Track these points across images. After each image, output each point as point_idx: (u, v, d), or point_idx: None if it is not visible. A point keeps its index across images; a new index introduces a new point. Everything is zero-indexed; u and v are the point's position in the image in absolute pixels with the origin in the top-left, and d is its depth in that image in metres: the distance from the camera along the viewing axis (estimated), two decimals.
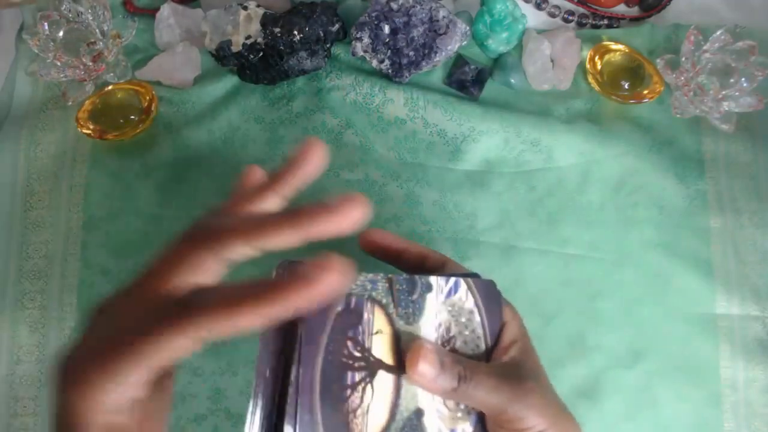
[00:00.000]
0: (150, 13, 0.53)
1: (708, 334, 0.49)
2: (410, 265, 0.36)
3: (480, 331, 0.31)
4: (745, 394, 0.49)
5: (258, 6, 0.50)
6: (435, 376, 0.28)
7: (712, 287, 0.50)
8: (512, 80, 0.52)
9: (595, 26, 0.55)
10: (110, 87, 0.51)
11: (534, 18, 0.55)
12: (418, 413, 0.29)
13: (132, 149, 0.50)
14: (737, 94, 0.49)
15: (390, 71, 0.50)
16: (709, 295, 0.50)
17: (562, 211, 0.51)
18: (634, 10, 0.56)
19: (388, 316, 0.28)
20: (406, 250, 0.36)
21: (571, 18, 0.55)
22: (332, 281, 0.23)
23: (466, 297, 0.31)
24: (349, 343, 0.27)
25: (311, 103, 0.51)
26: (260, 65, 0.50)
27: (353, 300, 0.28)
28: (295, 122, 0.51)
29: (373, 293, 0.28)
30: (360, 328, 0.28)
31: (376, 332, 0.28)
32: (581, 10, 0.55)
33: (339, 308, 0.27)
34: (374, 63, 0.50)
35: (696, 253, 0.50)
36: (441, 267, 0.35)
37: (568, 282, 0.50)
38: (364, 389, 0.27)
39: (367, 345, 0.28)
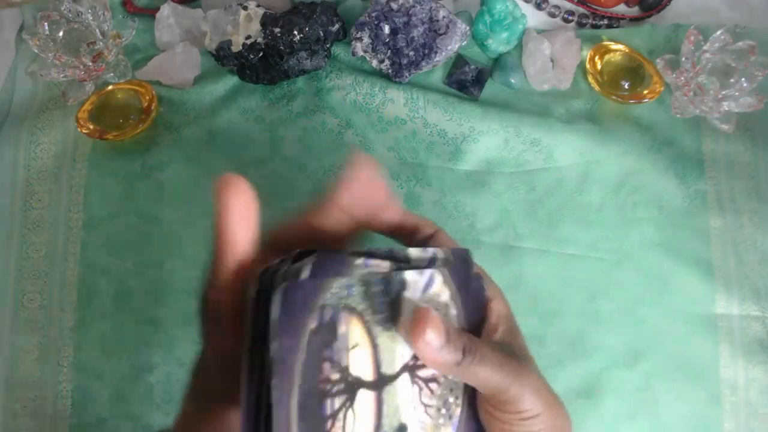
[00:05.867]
0: (150, 13, 0.53)
1: (708, 334, 0.49)
2: (409, 238, 0.33)
3: (455, 326, 0.28)
4: (745, 395, 0.49)
5: (258, 6, 0.50)
6: (440, 347, 0.26)
7: (712, 287, 0.50)
8: (512, 80, 0.52)
9: (595, 26, 0.55)
10: (110, 87, 0.51)
11: (534, 18, 0.55)
12: (402, 429, 0.27)
13: (132, 149, 0.50)
14: (737, 94, 0.49)
15: (390, 71, 0.50)
16: (709, 295, 0.50)
17: (562, 211, 0.51)
18: (634, 10, 0.56)
19: (366, 324, 0.25)
20: (401, 225, 0.32)
21: (571, 18, 0.55)
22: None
23: (441, 290, 0.28)
24: (326, 365, 0.24)
25: (311, 103, 0.51)
26: (260, 65, 0.50)
27: (328, 312, 0.24)
28: (295, 122, 0.51)
29: (349, 300, 0.25)
30: (336, 346, 0.24)
31: (353, 346, 0.25)
32: (581, 10, 0.55)
33: (313, 324, 0.24)
34: (374, 63, 0.50)
35: (696, 253, 0.50)
36: (431, 239, 0.32)
37: (568, 282, 0.50)
38: (345, 416, 0.25)
39: (344, 364, 0.24)
